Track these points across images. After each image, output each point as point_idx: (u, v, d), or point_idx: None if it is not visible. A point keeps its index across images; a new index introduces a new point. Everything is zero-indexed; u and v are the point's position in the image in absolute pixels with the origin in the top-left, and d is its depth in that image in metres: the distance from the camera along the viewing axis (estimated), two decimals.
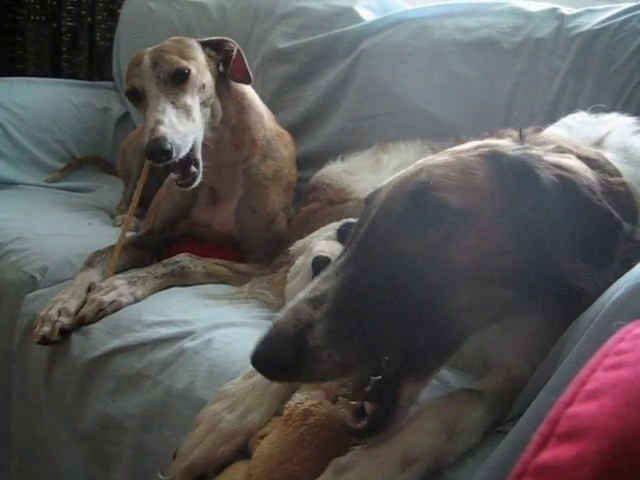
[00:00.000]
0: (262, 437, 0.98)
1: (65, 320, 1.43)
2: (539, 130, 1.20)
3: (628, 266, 0.87)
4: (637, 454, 0.35)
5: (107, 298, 1.46)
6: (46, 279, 1.64)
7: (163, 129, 1.43)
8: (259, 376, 1.05)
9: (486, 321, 0.92)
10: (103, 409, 1.34)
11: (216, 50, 1.69)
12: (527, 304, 0.92)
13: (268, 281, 1.60)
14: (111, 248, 1.65)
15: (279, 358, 0.78)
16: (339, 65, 2.27)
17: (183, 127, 1.49)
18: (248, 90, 1.79)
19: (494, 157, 0.94)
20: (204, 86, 1.60)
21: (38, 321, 1.44)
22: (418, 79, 2.09)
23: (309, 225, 1.67)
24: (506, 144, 0.97)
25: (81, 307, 1.47)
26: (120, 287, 1.50)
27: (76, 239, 1.86)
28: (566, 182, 0.90)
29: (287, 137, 1.97)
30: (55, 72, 3.46)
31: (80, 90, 2.88)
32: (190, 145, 1.51)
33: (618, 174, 0.98)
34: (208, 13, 2.64)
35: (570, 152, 1.00)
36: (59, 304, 1.45)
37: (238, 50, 1.71)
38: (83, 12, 3.36)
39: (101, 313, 1.45)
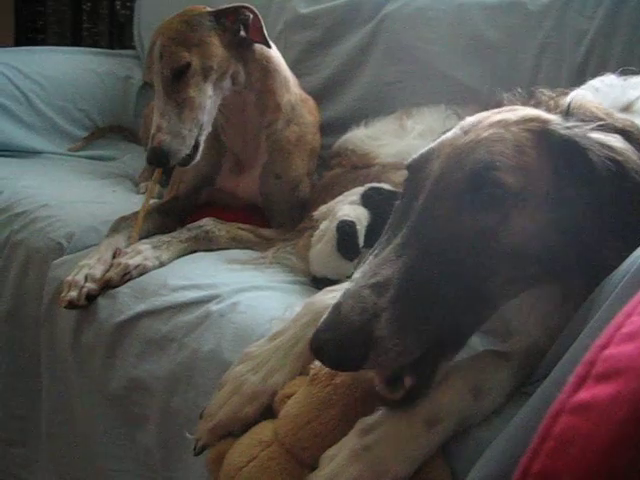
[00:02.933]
0: (288, 397, 0.99)
1: (91, 285, 1.45)
2: (565, 93, 1.17)
3: None
4: None
5: (133, 262, 1.48)
6: (72, 245, 1.66)
7: (161, 137, 1.52)
8: (283, 338, 1.06)
9: (515, 293, 0.92)
10: (130, 372, 1.36)
11: (232, 18, 1.65)
12: (552, 277, 0.93)
13: (292, 246, 1.60)
14: (136, 214, 1.65)
15: (347, 350, 0.77)
16: (362, 30, 2.24)
17: (185, 125, 1.54)
18: (274, 54, 1.77)
19: (545, 135, 0.92)
20: (212, 67, 1.59)
21: (65, 286, 1.46)
22: (442, 43, 2.06)
23: (333, 190, 1.67)
24: (555, 120, 0.94)
25: (107, 272, 1.48)
26: (145, 251, 1.51)
27: (101, 206, 1.87)
28: (617, 165, 0.88)
29: (311, 103, 1.96)
30: (76, 41, 3.46)
31: (102, 59, 2.88)
32: (192, 142, 1.57)
33: None
34: None
35: (606, 123, 0.96)
36: (85, 269, 1.47)
37: (254, 17, 1.66)
38: None
39: (127, 277, 1.46)
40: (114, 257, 1.52)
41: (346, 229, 1.39)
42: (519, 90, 1.14)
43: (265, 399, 1.01)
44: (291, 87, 1.82)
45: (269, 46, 1.69)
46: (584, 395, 0.37)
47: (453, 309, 0.84)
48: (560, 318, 0.94)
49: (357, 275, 0.83)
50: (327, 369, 0.96)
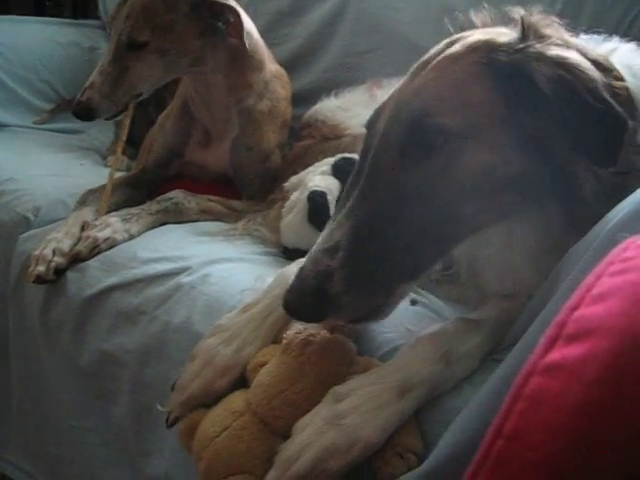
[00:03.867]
0: (261, 366, 0.99)
1: (59, 259, 1.43)
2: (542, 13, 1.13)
3: (628, 178, 0.88)
4: None
5: (102, 235, 1.46)
6: (39, 219, 1.63)
7: (91, 94, 1.52)
8: (255, 310, 1.06)
9: (488, 223, 0.95)
10: (101, 345, 1.35)
11: (212, 12, 1.59)
12: (528, 205, 0.93)
13: (263, 217, 1.59)
14: (103, 187, 1.63)
15: (305, 307, 0.87)
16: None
17: (119, 90, 1.54)
18: (251, 38, 1.71)
19: (491, 64, 0.90)
20: (171, 51, 1.57)
21: (32, 261, 1.44)
22: (413, 13, 2.04)
23: (303, 161, 1.66)
24: (505, 45, 0.92)
25: (75, 245, 1.46)
26: (114, 224, 1.49)
27: (68, 179, 1.84)
28: (566, 85, 0.87)
29: (285, 77, 1.93)
30: (39, 11, 3.37)
31: (66, 29, 2.81)
32: (122, 105, 1.59)
33: (622, 79, 0.94)
34: None
35: (576, 47, 0.94)
36: (53, 243, 1.45)
37: (236, 19, 1.60)
38: None
39: (96, 250, 1.45)
40: (82, 230, 1.50)
41: (317, 199, 1.38)
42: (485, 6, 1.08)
43: (237, 371, 1.01)
44: (265, 66, 1.78)
45: (245, 48, 1.64)
46: (555, 356, 0.37)
47: (411, 253, 0.88)
48: (543, 262, 0.96)
49: (318, 240, 0.89)
50: (299, 339, 0.96)
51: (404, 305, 1.16)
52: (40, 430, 1.53)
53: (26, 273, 1.45)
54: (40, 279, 1.41)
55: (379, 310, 0.91)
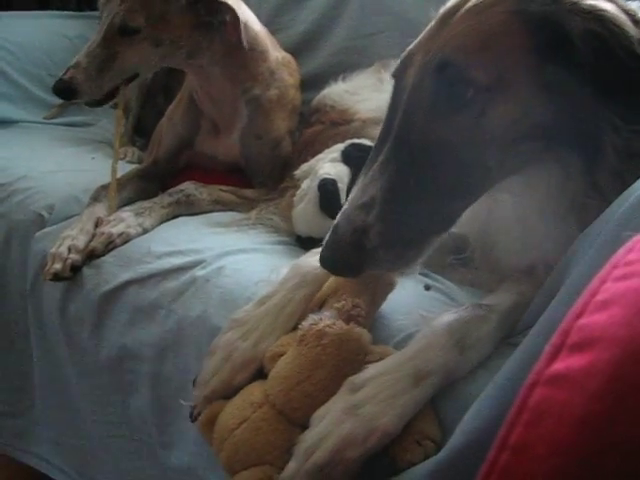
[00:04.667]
0: (279, 356, 0.99)
1: (75, 256, 1.44)
2: None
3: None
4: None
5: (116, 230, 1.47)
6: (53, 216, 1.64)
7: (75, 73, 1.50)
8: (271, 302, 1.06)
9: (512, 171, 0.95)
10: (119, 340, 1.37)
11: (208, 10, 1.58)
12: (548, 156, 0.93)
13: (275, 206, 1.59)
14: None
15: (343, 263, 0.90)
16: None
17: (105, 74, 1.52)
18: (251, 30, 1.70)
19: (522, 14, 0.88)
20: (164, 40, 1.55)
21: (49, 259, 1.45)
22: None
23: (313, 148, 1.66)
24: None
25: (90, 242, 1.47)
26: (127, 219, 1.50)
27: (80, 174, 1.84)
28: (600, 40, 0.86)
29: (293, 64, 1.92)
30: (43, 4, 3.37)
31: (72, 22, 2.81)
32: (107, 89, 1.56)
33: None
34: None
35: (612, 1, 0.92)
36: (68, 241, 1.46)
37: (232, 17, 1.58)
38: None
39: (111, 245, 1.46)
40: (96, 226, 1.51)
41: (328, 187, 1.38)
42: None
43: (257, 365, 1.02)
44: (269, 54, 1.77)
45: (244, 46, 1.62)
46: (559, 366, 0.37)
47: (442, 206, 0.91)
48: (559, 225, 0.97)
49: (351, 195, 0.90)
50: (315, 330, 0.97)
51: (418, 291, 1.17)
52: (64, 424, 1.56)
53: (43, 271, 1.46)
54: (57, 277, 1.42)
55: (412, 261, 0.93)
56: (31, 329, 1.60)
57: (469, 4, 0.93)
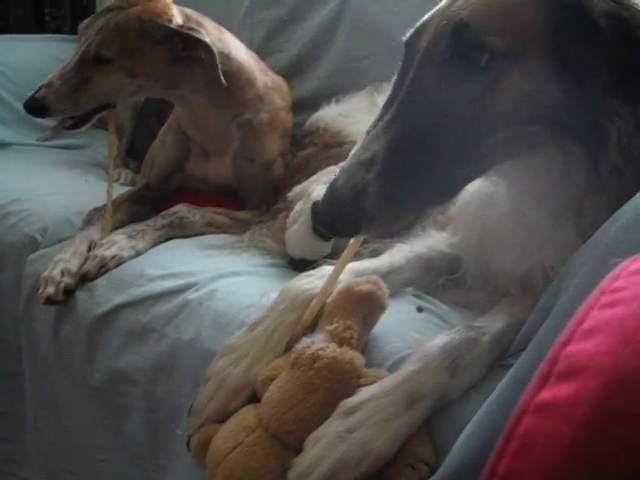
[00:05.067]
0: (271, 379, 0.99)
1: (68, 280, 1.44)
2: None
3: None
4: (632, 391, 0.36)
5: (109, 253, 1.47)
6: (47, 239, 1.64)
7: (47, 93, 1.52)
8: (261, 327, 1.07)
9: (514, 153, 0.93)
10: (112, 364, 1.36)
11: (184, 44, 1.56)
12: (552, 144, 0.92)
13: (268, 228, 1.60)
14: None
15: (339, 220, 0.86)
16: (328, 5, 2.20)
17: (77, 97, 1.53)
18: (232, 55, 1.70)
19: None
20: (138, 73, 1.56)
21: (42, 282, 1.45)
22: (409, 16, 2.02)
23: (306, 170, 1.67)
24: None
25: (83, 265, 1.47)
26: (120, 242, 1.50)
27: (74, 197, 1.84)
28: (621, 22, 0.86)
29: (283, 87, 1.93)
30: (39, 27, 3.39)
31: (66, 45, 2.80)
32: (80, 112, 1.58)
33: None
34: None
35: None
36: (61, 264, 1.46)
37: (208, 55, 1.56)
38: None
39: (104, 268, 1.45)
40: (90, 250, 1.51)
41: None
42: None
43: (250, 390, 1.02)
44: (257, 80, 1.77)
45: (222, 82, 1.58)
46: (546, 395, 0.37)
47: (444, 173, 0.88)
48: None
49: (352, 152, 0.88)
50: (308, 353, 0.97)
51: (410, 313, 1.17)
52: (56, 449, 1.54)
53: (36, 295, 1.45)
54: (50, 300, 1.42)
55: (408, 227, 0.91)
56: (23, 352, 1.59)
57: None
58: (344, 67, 2.15)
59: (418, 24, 0.96)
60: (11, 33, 3.15)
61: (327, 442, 0.88)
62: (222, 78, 1.57)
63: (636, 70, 0.87)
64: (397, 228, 0.90)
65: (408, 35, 0.96)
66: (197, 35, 1.56)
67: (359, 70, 2.11)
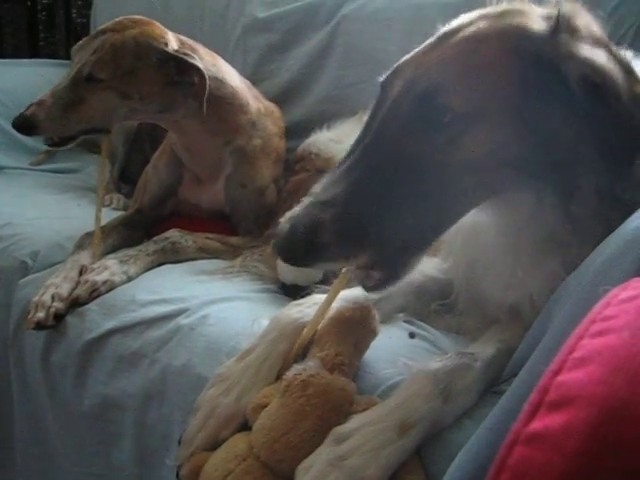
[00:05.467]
0: (262, 407, 0.99)
1: (59, 305, 1.43)
2: None
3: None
4: (623, 420, 0.36)
5: (100, 278, 1.46)
6: (37, 264, 1.63)
7: (37, 111, 1.51)
8: (252, 356, 1.06)
9: (486, 196, 0.97)
10: (102, 390, 1.35)
11: (178, 68, 1.58)
12: (523, 185, 0.95)
13: (260, 253, 1.60)
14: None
15: (293, 254, 0.90)
16: (320, 32, 2.24)
17: (67, 117, 1.53)
18: (222, 82, 1.71)
19: (520, 50, 0.90)
20: (132, 95, 1.56)
21: (32, 307, 1.44)
22: (400, 43, 2.06)
23: (298, 195, 1.66)
24: (536, 31, 0.91)
25: (74, 290, 1.46)
26: (112, 266, 1.50)
27: (65, 221, 1.84)
28: (595, 88, 0.88)
29: (276, 113, 1.95)
30: (33, 52, 3.41)
31: (60, 70, 2.81)
32: (68, 133, 1.58)
33: None
34: None
35: (605, 46, 0.94)
36: (52, 289, 1.45)
37: (200, 81, 1.58)
38: None
39: (95, 293, 1.45)
40: (81, 274, 1.50)
41: None
42: None
43: (240, 420, 1.01)
44: (250, 107, 1.78)
45: (203, 112, 1.59)
46: (537, 425, 0.37)
47: (405, 220, 0.90)
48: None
49: (315, 190, 0.92)
50: (299, 380, 0.96)
51: (402, 339, 1.17)
52: (45, 476, 1.53)
53: (26, 319, 1.44)
54: (40, 326, 1.41)
55: (387, 281, 0.96)
56: (12, 377, 1.57)
57: (469, 30, 0.94)
58: (336, 93, 2.17)
59: (395, 65, 0.99)
60: (5, 58, 3.16)
61: (318, 470, 0.87)
62: (204, 107, 1.58)
63: (609, 130, 0.89)
64: (345, 262, 0.94)
65: (384, 76, 0.99)
66: (191, 60, 1.57)
67: (350, 96, 2.13)
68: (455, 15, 2.02)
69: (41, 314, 1.41)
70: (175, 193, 1.83)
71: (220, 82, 1.68)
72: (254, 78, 2.08)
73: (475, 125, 0.89)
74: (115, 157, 2.25)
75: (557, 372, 0.40)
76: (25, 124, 1.52)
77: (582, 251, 0.88)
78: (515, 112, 0.89)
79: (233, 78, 1.78)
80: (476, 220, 1.09)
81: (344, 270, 1.00)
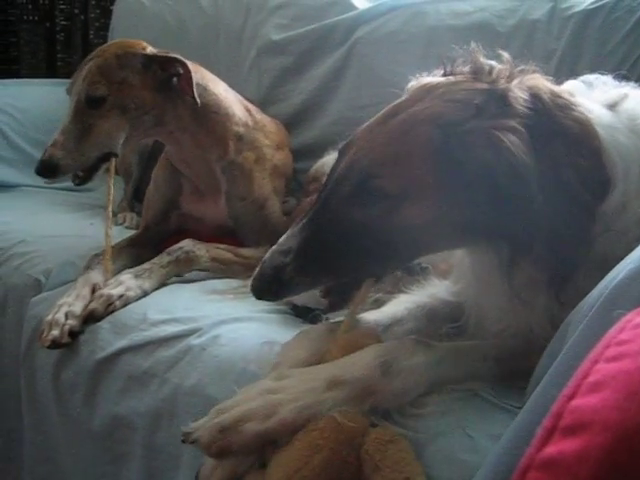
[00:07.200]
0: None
1: (73, 322, 1.43)
2: (524, 71, 1.14)
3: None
4: (638, 447, 0.35)
5: (115, 292, 1.47)
6: (50, 281, 1.64)
7: (54, 151, 1.58)
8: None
9: (440, 249, 1.11)
10: (112, 409, 1.35)
11: (162, 67, 1.66)
12: (474, 241, 1.04)
13: None
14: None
15: (265, 290, 1.06)
16: (334, 55, 2.26)
17: (83, 146, 1.59)
18: (212, 93, 1.76)
19: (435, 138, 0.97)
20: (130, 106, 1.62)
21: (46, 326, 1.43)
22: (413, 66, 2.07)
23: None
24: (457, 117, 0.97)
25: (87, 306, 1.46)
26: (127, 281, 1.50)
27: (78, 240, 1.86)
28: (490, 168, 0.92)
29: (270, 126, 1.97)
30: (50, 72, 3.45)
31: None
32: (89, 163, 1.63)
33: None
34: (201, 7, 2.62)
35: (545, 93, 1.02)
36: (65, 307, 1.45)
37: (185, 71, 1.65)
38: (76, 10, 3.36)
39: (111, 307, 1.45)
40: (93, 293, 1.50)
41: None
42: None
43: (256, 457, 0.99)
44: (236, 117, 1.81)
45: (197, 103, 1.65)
46: (551, 450, 0.37)
47: (355, 263, 1.04)
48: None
49: (280, 240, 1.05)
50: None
51: None
52: None
53: (39, 338, 1.44)
54: (55, 343, 1.41)
55: (337, 304, 1.13)
56: (23, 395, 1.58)
57: (409, 111, 1.02)
58: (349, 115, 2.18)
59: (351, 136, 1.09)
60: (24, 77, 3.20)
61: (249, 393, 0.96)
62: (197, 97, 1.64)
63: (509, 217, 0.94)
64: (311, 289, 1.09)
65: (341, 145, 1.09)
66: (171, 54, 1.66)
67: (364, 118, 2.10)
68: (466, 38, 2.04)
69: (56, 332, 1.41)
70: (177, 205, 1.86)
71: (203, 88, 1.73)
72: (268, 100, 2.10)
73: (407, 203, 0.98)
74: (129, 176, 2.26)
75: (571, 397, 0.40)
76: (47, 167, 1.58)
77: (577, 287, 0.93)
78: (439, 191, 0.97)
79: (218, 87, 1.82)
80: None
81: (351, 307, 1.11)
